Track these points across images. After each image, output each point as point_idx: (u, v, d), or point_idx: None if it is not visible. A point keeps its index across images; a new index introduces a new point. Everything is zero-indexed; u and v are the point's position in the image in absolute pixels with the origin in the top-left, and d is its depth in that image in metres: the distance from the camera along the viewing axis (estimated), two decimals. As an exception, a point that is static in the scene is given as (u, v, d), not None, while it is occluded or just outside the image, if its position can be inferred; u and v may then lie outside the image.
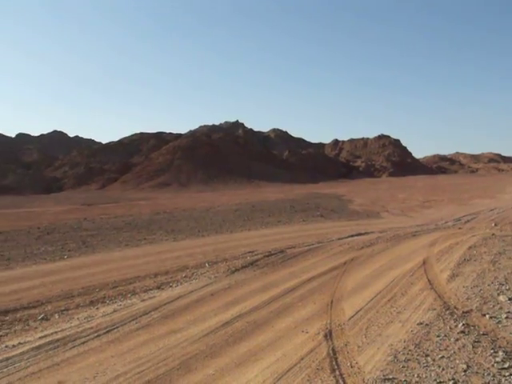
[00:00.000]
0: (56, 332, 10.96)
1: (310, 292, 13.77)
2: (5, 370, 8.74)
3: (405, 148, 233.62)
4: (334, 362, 8.40)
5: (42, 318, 12.55)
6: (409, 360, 8.36)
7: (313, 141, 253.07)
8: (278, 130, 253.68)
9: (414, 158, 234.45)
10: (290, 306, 12.28)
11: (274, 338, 9.94)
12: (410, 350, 8.80)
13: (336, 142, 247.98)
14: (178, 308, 12.47)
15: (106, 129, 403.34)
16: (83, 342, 10.09)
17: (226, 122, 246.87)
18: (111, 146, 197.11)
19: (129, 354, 9.25)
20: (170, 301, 13.17)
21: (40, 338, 10.62)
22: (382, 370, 8.00)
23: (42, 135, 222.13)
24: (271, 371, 8.18)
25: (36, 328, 11.74)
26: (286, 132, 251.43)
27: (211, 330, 10.49)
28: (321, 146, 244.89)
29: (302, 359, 8.65)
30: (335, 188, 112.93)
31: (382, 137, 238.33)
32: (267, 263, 18.49)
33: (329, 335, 9.84)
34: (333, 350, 9.01)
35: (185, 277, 16.80)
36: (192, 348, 9.47)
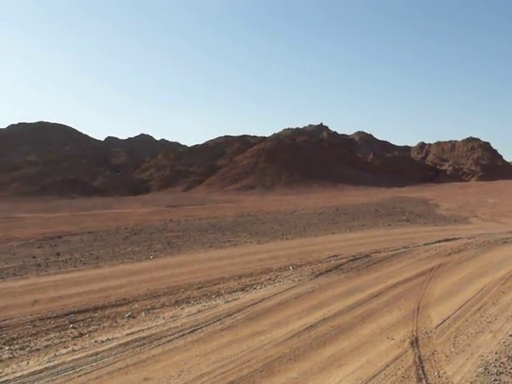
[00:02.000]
0: (142, 330, 11.23)
1: (396, 298, 13.49)
2: (94, 364, 9.02)
3: (495, 151, 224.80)
4: (420, 371, 8.17)
5: (129, 316, 12.90)
6: (501, 373, 8.01)
7: (398, 144, 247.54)
8: (362, 132, 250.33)
9: (504, 161, 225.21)
10: (374, 312, 12.07)
11: (359, 343, 9.79)
12: (502, 363, 8.43)
13: (422, 144, 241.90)
14: (261, 310, 12.51)
15: (191, 132, 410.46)
16: (168, 341, 10.28)
17: (310, 125, 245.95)
18: (196, 148, 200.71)
19: (213, 354, 9.34)
20: (254, 303, 13.22)
21: (127, 334, 10.92)
22: (471, 382, 7.71)
23: (129, 138, 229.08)
24: (355, 377, 8.04)
25: (123, 325, 12.07)
26: (371, 135, 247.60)
27: (295, 334, 10.45)
28: (406, 149, 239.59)
29: (387, 366, 8.46)
30: (421, 192, 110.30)
31: (470, 139, 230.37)
32: (352, 267, 18.26)
33: (415, 343, 9.59)
34: (419, 358, 8.76)
35: (269, 279, 16.84)
36: (275, 351, 9.46)
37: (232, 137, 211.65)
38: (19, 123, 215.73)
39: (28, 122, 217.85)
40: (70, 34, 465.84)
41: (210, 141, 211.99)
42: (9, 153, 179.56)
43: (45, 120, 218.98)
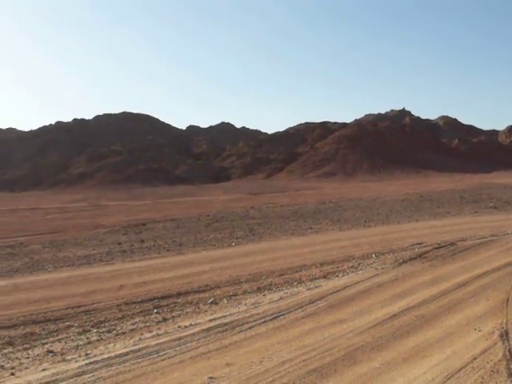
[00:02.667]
0: (224, 316, 11.36)
1: (483, 288, 13.01)
2: (177, 348, 9.19)
3: None
4: (511, 366, 7.83)
5: (212, 302, 13.08)
6: None
7: (484, 128, 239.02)
8: (446, 117, 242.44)
9: None
10: (460, 302, 11.70)
11: (444, 334, 9.51)
12: None
13: (511, 128, 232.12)
14: (343, 298, 12.40)
15: (271, 119, 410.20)
16: (250, 327, 10.35)
17: (391, 110, 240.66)
18: (277, 136, 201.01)
19: (294, 342, 9.32)
20: (336, 290, 13.11)
21: (209, 320, 11.07)
22: None
23: (210, 127, 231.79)
24: (441, 369, 7.80)
25: (206, 311, 12.27)
26: (456, 119, 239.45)
27: (378, 322, 10.28)
28: (494, 133, 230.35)
29: (475, 359, 8.16)
30: (510, 178, 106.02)
31: None
32: (436, 256, 17.78)
33: (505, 335, 9.20)
34: (510, 351, 8.40)
35: (351, 267, 16.68)
36: (358, 339, 9.34)
37: (313, 123, 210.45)
38: (104, 114, 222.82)
39: (113, 112, 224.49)
40: (153, 23, 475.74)
41: (291, 128, 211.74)
42: (95, 143, 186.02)
43: (128, 110, 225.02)
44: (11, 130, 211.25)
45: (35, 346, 10.01)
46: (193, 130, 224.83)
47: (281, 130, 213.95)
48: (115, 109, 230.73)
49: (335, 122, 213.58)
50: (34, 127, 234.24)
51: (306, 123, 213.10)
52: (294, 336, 9.66)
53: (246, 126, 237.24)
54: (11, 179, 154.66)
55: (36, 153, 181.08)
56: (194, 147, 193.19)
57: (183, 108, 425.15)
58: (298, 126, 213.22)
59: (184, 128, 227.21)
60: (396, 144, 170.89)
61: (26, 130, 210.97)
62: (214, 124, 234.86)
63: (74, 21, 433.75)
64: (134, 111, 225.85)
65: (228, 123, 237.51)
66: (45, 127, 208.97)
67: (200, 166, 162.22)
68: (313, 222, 33.44)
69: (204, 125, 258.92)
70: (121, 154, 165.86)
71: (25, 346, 10.10)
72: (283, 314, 11.15)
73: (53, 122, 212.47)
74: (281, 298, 12.70)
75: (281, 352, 8.78)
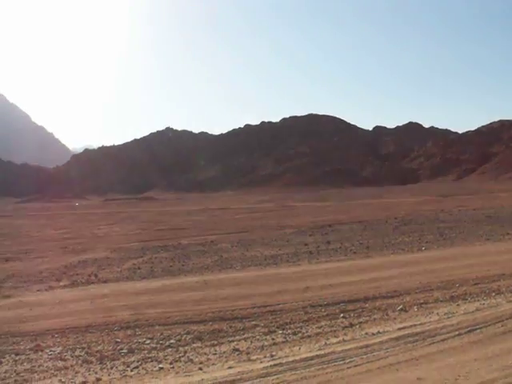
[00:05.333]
0: (415, 325, 10.69)
1: None
2: (364, 356, 8.74)
3: None
4: None
5: (401, 309, 12.42)
6: None
7: None
8: None
9: None
10: None
11: None
12: None
13: None
14: (550, 314, 11.08)
15: (461, 118, 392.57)
16: (443, 340, 9.57)
17: None
18: (468, 135, 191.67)
19: (494, 360, 8.39)
20: (543, 305, 11.81)
21: (398, 329, 10.46)
22: None
23: (397, 127, 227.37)
24: None
25: (394, 318, 11.65)
26: None
27: None
28: None
29: None
30: None
31: None
32: None
33: None
34: None
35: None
36: None
37: (508, 121, 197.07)
38: (290, 116, 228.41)
39: (298, 114, 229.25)
40: (322, 28, 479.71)
41: (483, 126, 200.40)
42: (281, 145, 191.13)
43: (314, 112, 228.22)
44: (202, 134, 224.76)
45: (222, 343, 10.13)
46: (379, 130, 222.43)
47: (472, 128, 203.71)
48: (301, 111, 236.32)
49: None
50: (224, 131, 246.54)
51: (500, 121, 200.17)
52: (493, 353, 8.72)
53: (435, 126, 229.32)
54: (202, 180, 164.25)
55: (225, 155, 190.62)
56: (380, 148, 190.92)
57: (369, 108, 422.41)
58: (491, 124, 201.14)
59: (370, 129, 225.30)
60: None
61: (216, 133, 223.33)
62: (400, 124, 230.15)
63: (260, 29, 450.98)
64: (320, 113, 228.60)
65: (416, 123, 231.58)
66: (234, 130, 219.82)
67: (387, 167, 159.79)
68: (510, 227, 31.02)
69: (391, 125, 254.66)
70: (307, 156, 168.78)
71: (212, 342, 10.27)
72: (480, 328, 10.20)
73: (241, 126, 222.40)
74: (477, 310, 11.70)
75: (479, 371, 7.93)
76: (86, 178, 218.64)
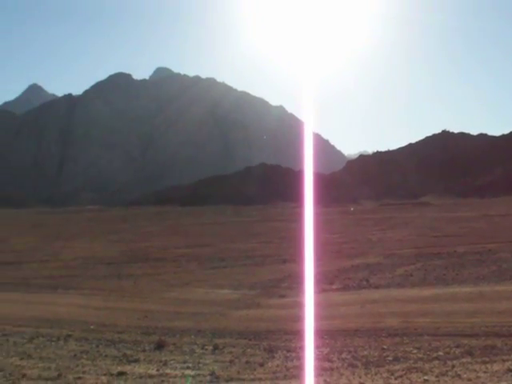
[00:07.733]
0: None
1: None
2: None
3: None
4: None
5: None
6: None
7: None
8: None
9: None
10: None
11: None
12: None
13: None
14: None
15: None
16: None
17: None
18: None
19: None
20: None
21: None
22: None
23: None
24: None
25: None
26: None
27: None
28: None
29: None
30: None
31: None
32: None
33: None
34: None
35: None
36: None
37: None
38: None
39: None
40: None
41: None
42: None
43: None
44: (481, 136, 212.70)
45: (494, 361, 9.42)
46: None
47: None
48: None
49: None
50: (506, 131, 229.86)
51: None
52: None
53: None
54: (481, 185, 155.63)
55: (508, 158, 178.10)
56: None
57: None
58: None
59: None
60: None
61: (498, 134, 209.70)
62: None
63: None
64: None
65: None
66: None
67: None
68: None
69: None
70: None
71: (484, 358, 9.65)
72: None
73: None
74: None
75: None
76: (360, 183, 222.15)
